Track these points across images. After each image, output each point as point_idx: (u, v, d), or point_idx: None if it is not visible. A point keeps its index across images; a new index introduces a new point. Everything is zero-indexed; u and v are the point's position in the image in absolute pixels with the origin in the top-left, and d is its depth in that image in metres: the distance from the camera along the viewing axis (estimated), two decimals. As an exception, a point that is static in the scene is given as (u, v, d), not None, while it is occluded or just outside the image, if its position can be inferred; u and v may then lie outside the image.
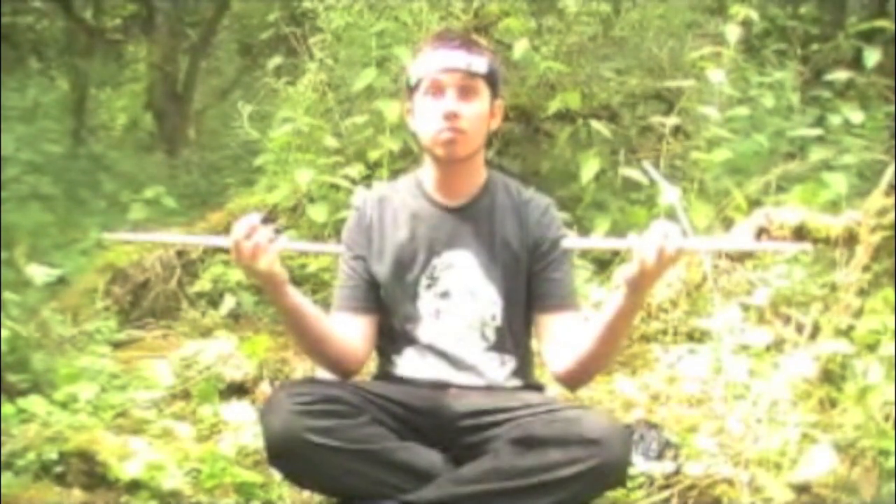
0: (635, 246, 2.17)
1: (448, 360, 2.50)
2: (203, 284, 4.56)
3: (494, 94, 2.52)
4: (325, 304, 4.33)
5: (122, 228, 5.51)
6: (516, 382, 2.53)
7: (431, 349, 2.50)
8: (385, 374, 2.58)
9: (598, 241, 2.73)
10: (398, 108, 4.34)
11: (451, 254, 2.52)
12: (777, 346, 3.39)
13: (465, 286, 2.51)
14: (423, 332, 2.51)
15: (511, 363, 2.53)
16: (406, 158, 4.69)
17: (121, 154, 8.07)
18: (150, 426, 3.24)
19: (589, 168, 4.65)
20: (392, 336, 2.56)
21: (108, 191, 6.74)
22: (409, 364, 2.53)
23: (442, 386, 2.48)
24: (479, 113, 2.47)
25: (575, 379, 2.50)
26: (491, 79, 2.51)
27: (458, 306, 2.50)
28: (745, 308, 3.54)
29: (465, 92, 2.45)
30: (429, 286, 2.51)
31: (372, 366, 2.75)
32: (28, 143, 7.05)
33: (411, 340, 2.52)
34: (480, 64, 2.47)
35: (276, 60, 5.19)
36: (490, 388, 2.49)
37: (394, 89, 4.74)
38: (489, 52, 2.59)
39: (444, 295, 2.51)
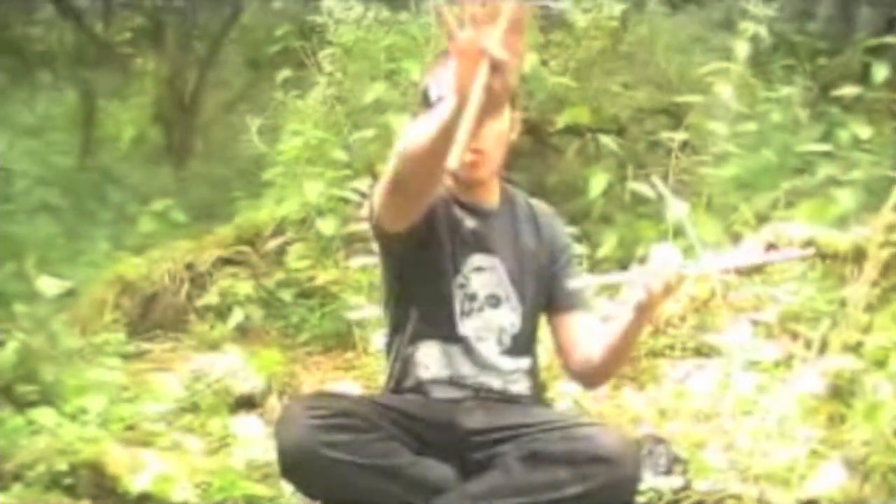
0: (640, 277, 2.23)
1: (470, 356, 2.50)
2: (211, 297, 4.57)
3: (513, 107, 2.51)
4: (334, 317, 4.36)
5: (131, 241, 5.56)
6: (527, 384, 2.54)
7: (455, 345, 2.50)
8: (400, 377, 2.56)
9: (605, 277, 2.79)
10: (407, 121, 4.35)
11: (481, 257, 2.52)
12: (786, 361, 3.39)
13: (490, 291, 2.52)
14: (450, 327, 2.50)
15: (524, 363, 2.55)
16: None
17: (129, 166, 8.08)
18: (160, 439, 3.25)
19: (597, 182, 4.66)
20: (413, 331, 2.53)
21: (116, 203, 6.75)
22: (431, 357, 2.51)
23: (456, 400, 2.48)
24: (500, 131, 2.45)
25: (591, 380, 2.60)
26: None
27: (482, 309, 2.51)
28: (754, 324, 3.54)
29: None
30: (461, 285, 2.51)
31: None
32: (37, 155, 7.07)
33: (436, 335, 2.51)
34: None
35: (285, 74, 5.21)
36: (506, 401, 2.49)
37: (402, 103, 4.76)
38: None
39: (472, 297, 2.51)
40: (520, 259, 2.55)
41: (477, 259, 2.52)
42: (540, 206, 2.66)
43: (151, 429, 3.33)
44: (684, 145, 4.69)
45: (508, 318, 2.53)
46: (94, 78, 8.66)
